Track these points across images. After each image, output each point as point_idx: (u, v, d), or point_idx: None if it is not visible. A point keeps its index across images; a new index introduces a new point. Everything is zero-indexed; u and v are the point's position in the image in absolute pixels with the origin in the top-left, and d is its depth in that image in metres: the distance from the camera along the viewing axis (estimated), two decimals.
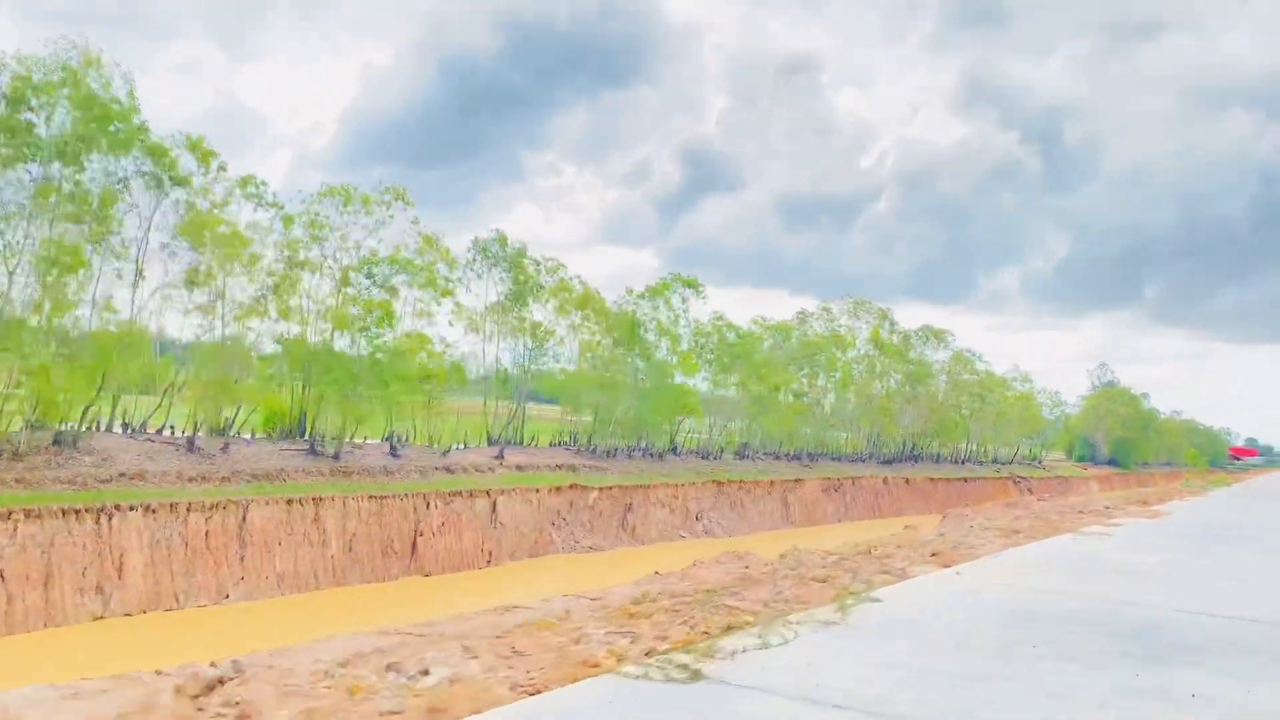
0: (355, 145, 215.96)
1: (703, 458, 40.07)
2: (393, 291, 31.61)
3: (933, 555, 8.26)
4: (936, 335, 58.64)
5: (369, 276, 30.21)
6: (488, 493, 26.93)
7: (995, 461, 73.42)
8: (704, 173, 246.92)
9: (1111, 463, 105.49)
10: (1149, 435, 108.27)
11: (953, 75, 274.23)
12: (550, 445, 35.72)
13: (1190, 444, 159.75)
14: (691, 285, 43.02)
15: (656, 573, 7.55)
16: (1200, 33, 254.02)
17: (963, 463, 65.35)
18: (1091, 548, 10.35)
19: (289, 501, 22.74)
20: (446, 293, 31.01)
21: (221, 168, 27.02)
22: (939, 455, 62.20)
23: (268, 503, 22.31)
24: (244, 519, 21.76)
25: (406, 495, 25.17)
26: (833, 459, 49.38)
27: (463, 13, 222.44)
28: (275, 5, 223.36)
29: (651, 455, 37.05)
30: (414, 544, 24.86)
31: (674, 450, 39.01)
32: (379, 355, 30.52)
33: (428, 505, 25.41)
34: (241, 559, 21.57)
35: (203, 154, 26.84)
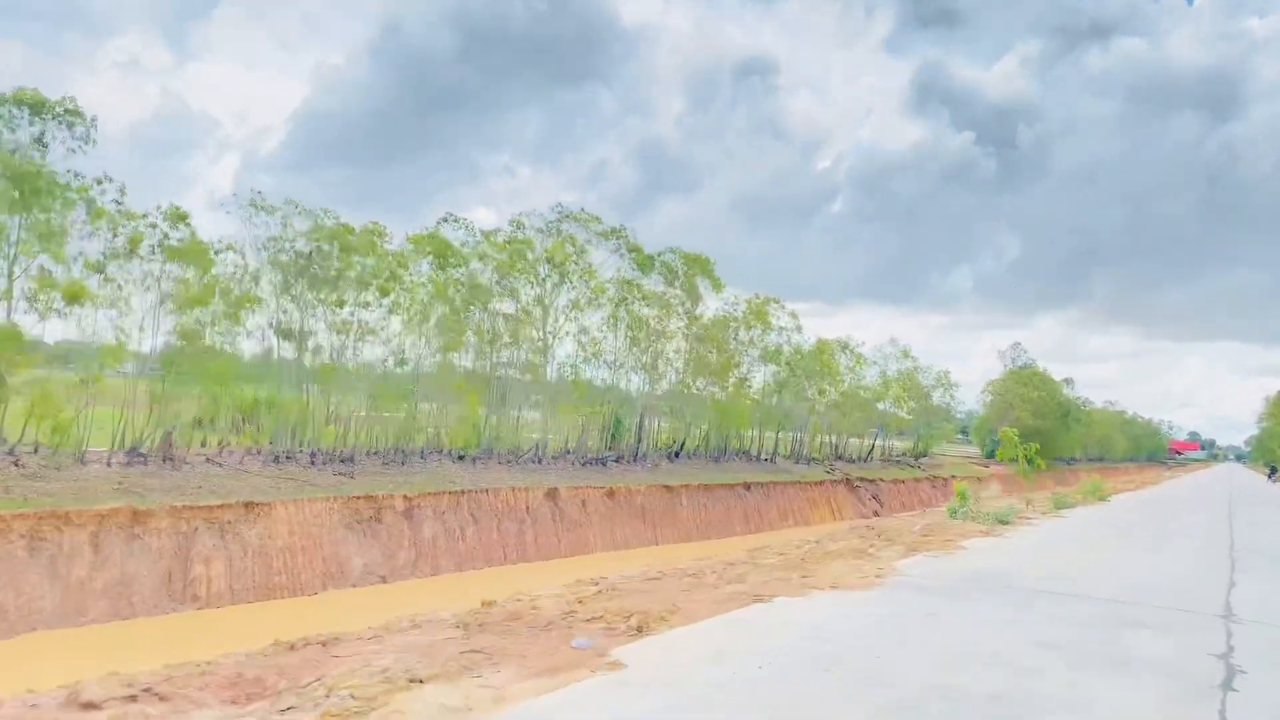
0: (307, 147, 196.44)
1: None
2: None
3: None
4: (695, 263, 36.13)
5: None
6: None
7: (840, 459, 51.24)
8: (660, 174, 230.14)
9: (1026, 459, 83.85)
10: (1068, 425, 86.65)
11: (906, 77, 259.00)
12: None
13: (1125, 437, 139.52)
14: (66, 115, 20.11)
15: None
16: (1148, 35, 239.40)
17: (771, 460, 42.99)
18: None
19: None
20: None
21: None
22: (724, 449, 39.76)
23: None
24: None
25: None
26: (456, 458, 26.93)
27: (416, 12, 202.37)
28: (221, 2, 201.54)
29: None
30: None
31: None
32: None
33: None
34: None
35: None
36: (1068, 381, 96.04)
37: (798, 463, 45.39)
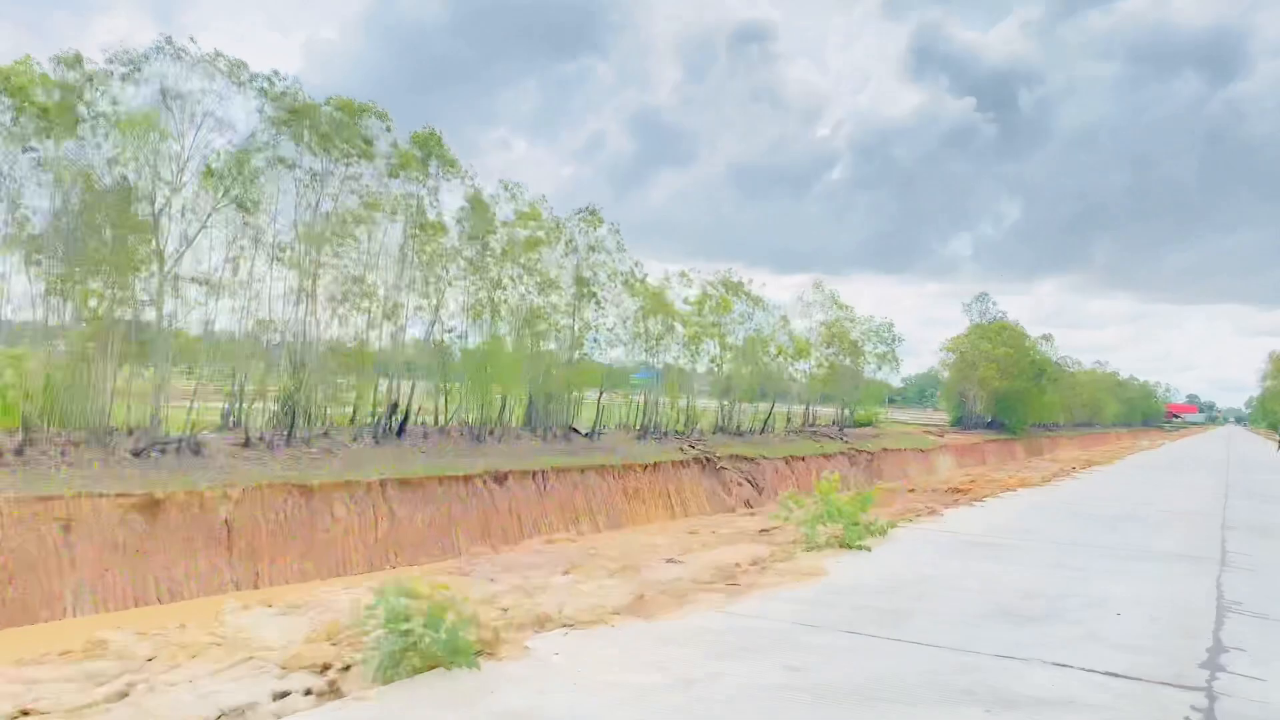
0: None
1: None
2: None
3: None
4: (419, 143, 22.61)
5: None
6: None
7: (722, 430, 38.03)
8: (657, 145, 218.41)
9: (995, 425, 70.71)
10: (1044, 387, 73.23)
11: (904, 42, 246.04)
12: None
13: (1117, 400, 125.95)
14: None
15: None
16: None
17: (593, 435, 29.78)
18: None
19: None
20: None
21: None
22: (498, 421, 26.44)
23: None
24: None
25: None
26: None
27: None
28: None
29: None
30: None
31: None
32: None
33: None
34: None
35: None
36: (1046, 338, 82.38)
37: (642, 438, 32.16)
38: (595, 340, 28.85)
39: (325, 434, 21.92)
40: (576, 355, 29.56)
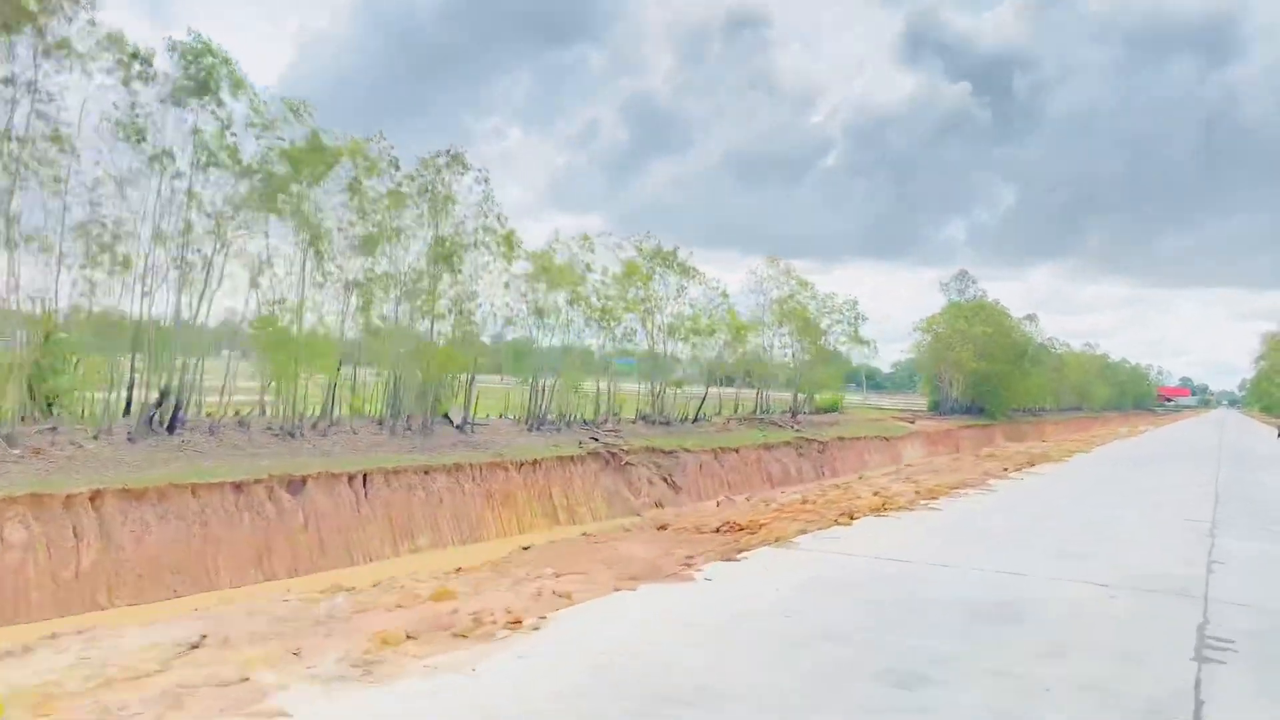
0: None
1: None
2: None
3: None
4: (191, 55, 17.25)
5: None
6: None
7: (644, 419, 32.77)
8: (651, 133, 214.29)
9: (974, 410, 65.64)
10: (1026, 369, 68.12)
11: (898, 27, 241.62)
12: None
13: (1107, 383, 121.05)
14: None
15: None
16: None
17: (464, 427, 24.51)
18: None
19: None
20: None
21: None
22: (326, 415, 21.17)
23: None
24: None
25: None
26: None
27: None
28: None
29: None
30: None
31: None
32: None
33: None
34: None
35: None
36: (1030, 318, 77.35)
37: (536, 428, 26.89)
38: (462, 314, 23.48)
39: (54, 429, 16.61)
40: (457, 333, 24.33)
